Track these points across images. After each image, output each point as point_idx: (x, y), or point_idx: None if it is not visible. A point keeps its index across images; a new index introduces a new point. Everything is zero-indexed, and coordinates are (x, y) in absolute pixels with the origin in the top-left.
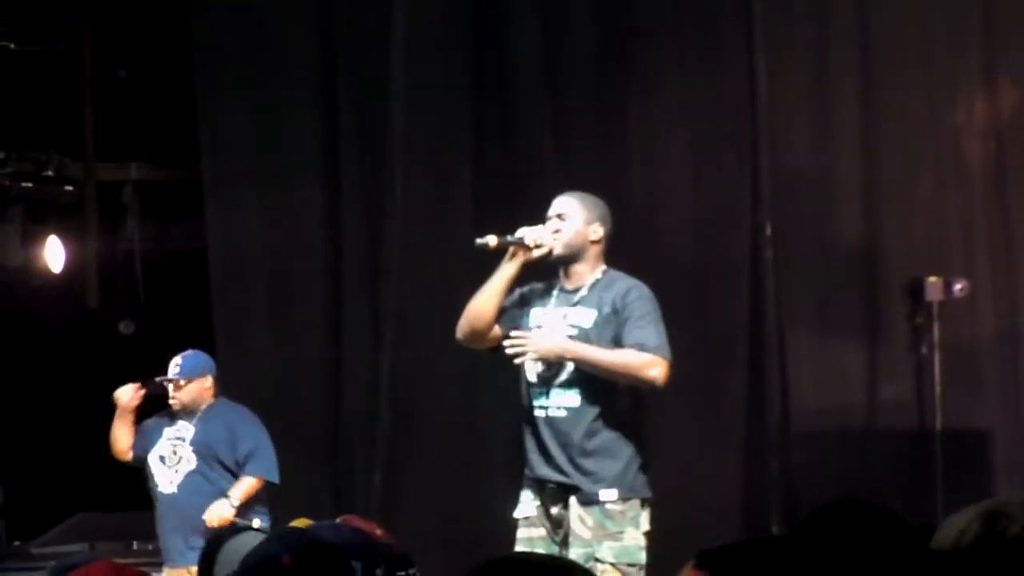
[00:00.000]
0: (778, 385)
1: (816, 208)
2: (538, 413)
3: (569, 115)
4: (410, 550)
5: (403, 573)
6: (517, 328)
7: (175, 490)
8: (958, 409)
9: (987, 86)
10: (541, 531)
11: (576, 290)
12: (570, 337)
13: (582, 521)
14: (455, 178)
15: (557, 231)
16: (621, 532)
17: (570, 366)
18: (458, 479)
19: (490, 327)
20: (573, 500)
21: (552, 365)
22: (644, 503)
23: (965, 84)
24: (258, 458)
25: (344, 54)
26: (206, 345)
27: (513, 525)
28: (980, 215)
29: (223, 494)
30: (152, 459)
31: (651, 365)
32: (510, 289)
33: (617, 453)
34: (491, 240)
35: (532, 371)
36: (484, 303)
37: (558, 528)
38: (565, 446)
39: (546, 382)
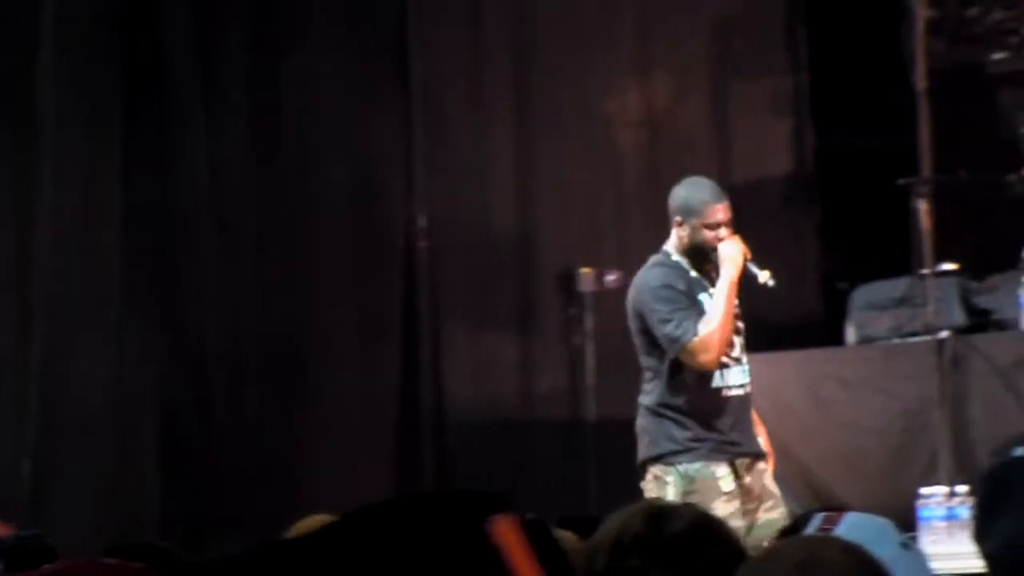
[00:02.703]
0: (432, 375)
1: (471, 199)
2: (734, 392)
3: (221, 101)
4: (62, 540)
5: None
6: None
7: None
8: (611, 399)
9: (640, 78)
10: (738, 503)
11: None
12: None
13: (773, 482)
14: (105, 167)
15: (723, 237)
16: None
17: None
18: (109, 468)
19: None
20: (763, 464)
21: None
22: None
23: (618, 76)
24: None
25: None
26: None
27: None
28: (633, 206)
29: None
30: None
31: None
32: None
33: None
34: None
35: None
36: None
37: (746, 497)
38: (750, 418)
39: (738, 360)
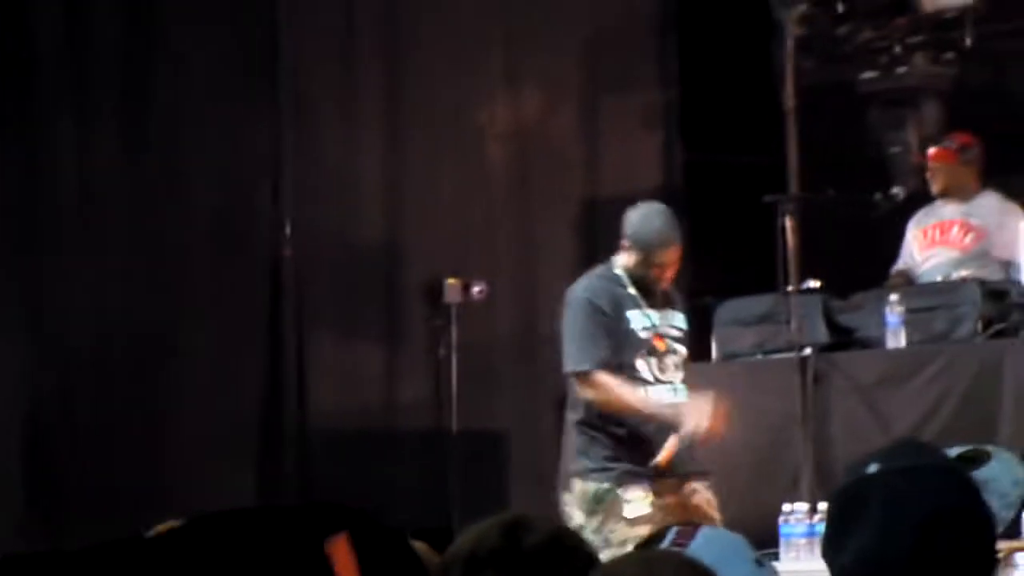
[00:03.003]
0: (296, 383)
1: (338, 208)
2: None
3: (90, 102)
4: None
5: None
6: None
7: None
8: (475, 410)
9: (510, 89)
10: (648, 528)
11: (657, 298)
12: (676, 340)
13: (710, 503)
14: None
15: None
16: None
17: (680, 363)
18: None
19: None
20: (700, 484)
21: (680, 366)
22: None
23: (489, 87)
24: None
25: None
26: None
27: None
28: (501, 217)
29: None
30: None
31: None
32: None
33: None
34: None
35: (654, 368)
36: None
37: (668, 518)
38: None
39: (669, 382)
